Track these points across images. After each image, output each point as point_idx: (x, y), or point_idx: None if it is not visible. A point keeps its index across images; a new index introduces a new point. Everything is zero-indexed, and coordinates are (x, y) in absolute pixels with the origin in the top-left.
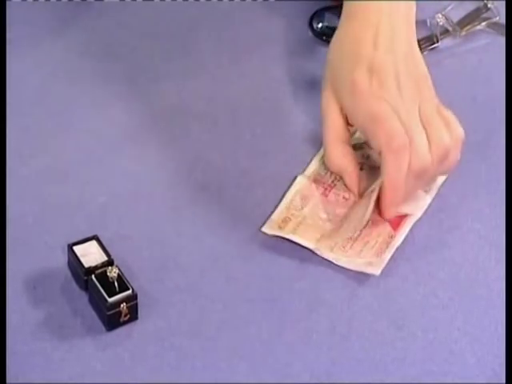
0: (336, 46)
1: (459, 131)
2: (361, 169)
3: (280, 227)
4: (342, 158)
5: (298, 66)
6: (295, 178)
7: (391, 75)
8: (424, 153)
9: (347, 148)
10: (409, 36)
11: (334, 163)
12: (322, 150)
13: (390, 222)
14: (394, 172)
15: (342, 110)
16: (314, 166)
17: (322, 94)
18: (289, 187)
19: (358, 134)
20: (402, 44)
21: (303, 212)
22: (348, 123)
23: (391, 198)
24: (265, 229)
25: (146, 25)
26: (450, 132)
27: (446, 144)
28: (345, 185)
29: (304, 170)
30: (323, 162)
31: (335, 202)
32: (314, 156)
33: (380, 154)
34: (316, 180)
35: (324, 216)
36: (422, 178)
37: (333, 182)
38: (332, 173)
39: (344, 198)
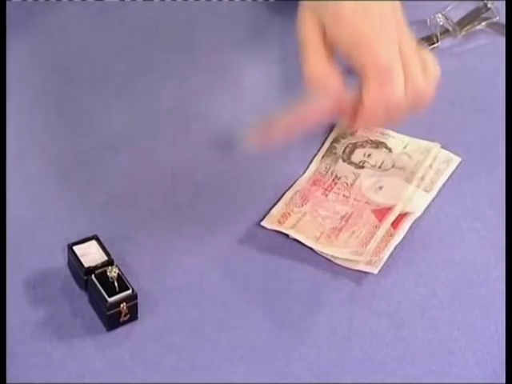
0: None
1: (434, 72)
2: (361, 167)
3: (280, 222)
4: (323, 67)
5: (298, 66)
6: (296, 179)
7: (375, 8)
8: (399, 88)
9: (328, 61)
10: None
11: (314, 74)
12: (322, 150)
13: (374, 212)
14: (375, 95)
15: (321, 30)
16: (314, 166)
17: (300, 14)
18: (289, 188)
19: (360, 132)
20: None
21: (303, 209)
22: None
23: (367, 120)
24: (264, 223)
25: (146, 25)
26: (426, 75)
27: (420, 87)
28: (345, 183)
29: (304, 171)
30: (323, 161)
31: (335, 200)
32: (315, 156)
33: (362, 76)
34: (316, 181)
35: (324, 213)
36: (391, 113)
37: (333, 181)
38: (332, 172)
39: (344, 196)
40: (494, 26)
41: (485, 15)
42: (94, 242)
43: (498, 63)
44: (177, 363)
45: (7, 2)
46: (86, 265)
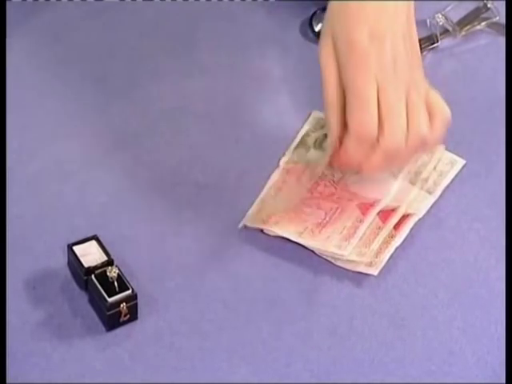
0: (339, 5)
1: (443, 116)
2: None
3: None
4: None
5: (298, 65)
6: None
7: (391, 46)
8: (399, 135)
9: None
10: (409, 11)
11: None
12: (294, 142)
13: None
14: (348, 152)
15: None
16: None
17: (321, 48)
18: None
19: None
20: (403, 16)
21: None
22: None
23: (335, 162)
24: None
25: (145, 24)
26: (433, 120)
27: (422, 134)
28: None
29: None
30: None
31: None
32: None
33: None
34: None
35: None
36: (392, 159)
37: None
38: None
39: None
40: (493, 25)
41: (485, 15)
42: (93, 242)
43: (498, 63)
44: (177, 363)
45: (7, 2)
46: (85, 265)
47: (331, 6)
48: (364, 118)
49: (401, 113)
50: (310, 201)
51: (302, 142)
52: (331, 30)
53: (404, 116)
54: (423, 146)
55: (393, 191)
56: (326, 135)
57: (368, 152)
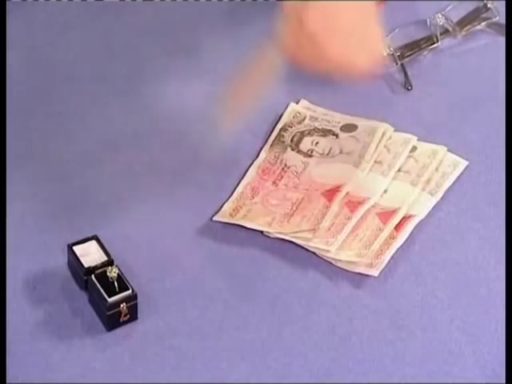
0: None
1: (375, 49)
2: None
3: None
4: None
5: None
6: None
7: None
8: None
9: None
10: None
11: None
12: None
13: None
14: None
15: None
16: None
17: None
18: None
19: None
20: None
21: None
22: None
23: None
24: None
25: (146, 25)
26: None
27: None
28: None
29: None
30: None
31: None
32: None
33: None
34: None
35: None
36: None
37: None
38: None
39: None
40: (493, 26)
41: (485, 15)
42: (93, 242)
43: (498, 63)
44: (177, 363)
45: (7, 2)
46: (85, 265)
47: None
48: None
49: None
50: (275, 193)
51: (279, 138)
52: None
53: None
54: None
55: (412, 200)
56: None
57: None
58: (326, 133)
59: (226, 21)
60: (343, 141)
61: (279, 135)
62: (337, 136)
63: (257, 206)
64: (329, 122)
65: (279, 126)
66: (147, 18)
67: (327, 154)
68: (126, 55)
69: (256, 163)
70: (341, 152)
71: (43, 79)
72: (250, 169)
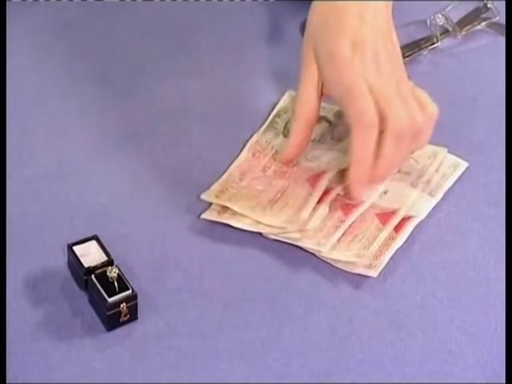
0: (318, 14)
1: (432, 110)
2: (319, 140)
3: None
4: (310, 100)
5: (298, 65)
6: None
7: (373, 51)
8: (404, 115)
9: (317, 97)
10: (388, 15)
11: (301, 101)
12: (267, 121)
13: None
14: (360, 147)
15: (318, 73)
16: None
17: (303, 55)
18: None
19: None
20: (383, 22)
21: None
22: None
23: (357, 173)
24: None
25: (146, 25)
26: (424, 112)
27: (419, 123)
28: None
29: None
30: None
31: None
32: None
33: (350, 128)
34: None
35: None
36: (400, 144)
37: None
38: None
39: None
40: (493, 26)
41: (485, 15)
42: (93, 242)
43: (498, 63)
44: (177, 363)
45: (7, 2)
46: (85, 265)
47: (312, 11)
48: (362, 106)
49: (398, 100)
50: (263, 179)
51: (272, 124)
52: (313, 39)
53: (401, 103)
54: (419, 135)
55: (412, 201)
56: None
57: (377, 141)
58: (319, 119)
59: (226, 21)
60: (336, 127)
61: (273, 121)
62: (330, 123)
63: (243, 189)
64: (323, 108)
65: (273, 112)
66: (147, 18)
67: (318, 141)
68: (126, 55)
69: (247, 146)
70: (332, 138)
71: (43, 79)
72: (242, 152)
